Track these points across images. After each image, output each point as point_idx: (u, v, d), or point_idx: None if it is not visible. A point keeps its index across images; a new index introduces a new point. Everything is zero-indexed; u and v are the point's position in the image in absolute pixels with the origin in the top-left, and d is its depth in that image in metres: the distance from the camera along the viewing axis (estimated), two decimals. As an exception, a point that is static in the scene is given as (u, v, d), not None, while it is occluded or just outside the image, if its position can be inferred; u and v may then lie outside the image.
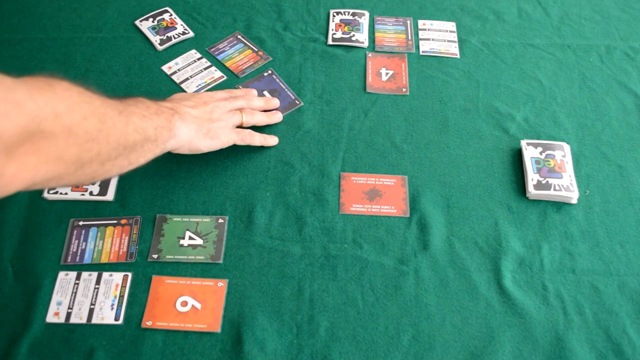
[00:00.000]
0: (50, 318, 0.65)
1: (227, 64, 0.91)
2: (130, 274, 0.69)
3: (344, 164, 0.80)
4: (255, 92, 0.85)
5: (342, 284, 0.69)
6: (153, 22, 0.96)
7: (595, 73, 0.92)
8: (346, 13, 0.99)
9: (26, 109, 0.46)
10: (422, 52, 0.94)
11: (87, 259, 0.70)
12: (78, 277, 0.68)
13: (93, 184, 0.75)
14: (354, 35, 0.96)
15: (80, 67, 0.90)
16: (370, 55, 0.94)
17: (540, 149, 0.80)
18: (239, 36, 0.96)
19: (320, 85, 0.89)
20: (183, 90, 0.87)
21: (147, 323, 0.65)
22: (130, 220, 0.73)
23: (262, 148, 0.81)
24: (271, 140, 0.81)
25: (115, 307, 0.66)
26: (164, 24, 0.96)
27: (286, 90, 0.88)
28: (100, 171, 0.57)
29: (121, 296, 0.67)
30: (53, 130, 0.49)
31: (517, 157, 0.81)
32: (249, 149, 0.81)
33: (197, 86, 0.88)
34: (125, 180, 0.77)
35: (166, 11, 0.98)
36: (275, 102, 0.84)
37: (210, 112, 0.74)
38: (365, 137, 0.83)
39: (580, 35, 0.98)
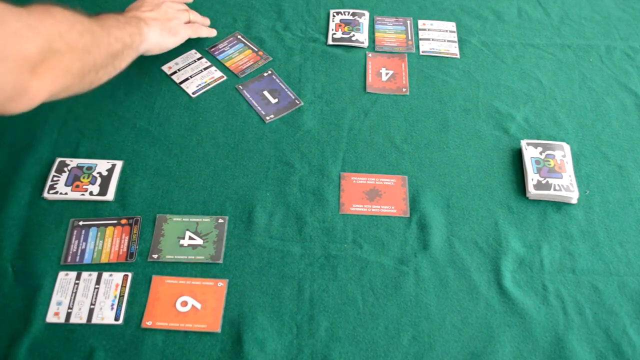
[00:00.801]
0: (50, 318, 0.65)
1: (227, 64, 0.91)
2: (130, 274, 0.69)
3: (344, 164, 0.80)
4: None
5: (342, 284, 0.69)
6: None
7: (595, 73, 0.92)
8: (346, 13, 0.99)
9: (41, 31, 0.55)
10: (422, 52, 0.94)
11: (87, 259, 0.70)
12: (78, 277, 0.68)
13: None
14: (354, 35, 0.96)
15: (80, 67, 0.90)
16: (370, 55, 0.94)
17: (540, 149, 0.80)
18: (239, 36, 0.96)
19: (320, 85, 0.89)
20: (183, 91, 0.87)
21: (147, 323, 0.65)
22: (130, 220, 0.73)
23: (262, 148, 0.81)
24: (212, 32, 0.94)
25: (115, 307, 0.66)
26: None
27: (286, 90, 0.88)
28: (96, 78, 0.67)
29: (121, 296, 0.67)
30: (60, 48, 0.57)
31: (517, 157, 0.81)
32: (249, 149, 0.81)
33: (197, 86, 0.88)
34: (125, 180, 0.77)
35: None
36: (206, 20, 0.96)
37: (165, 12, 0.85)
38: (365, 137, 0.83)
39: (580, 35, 0.98)
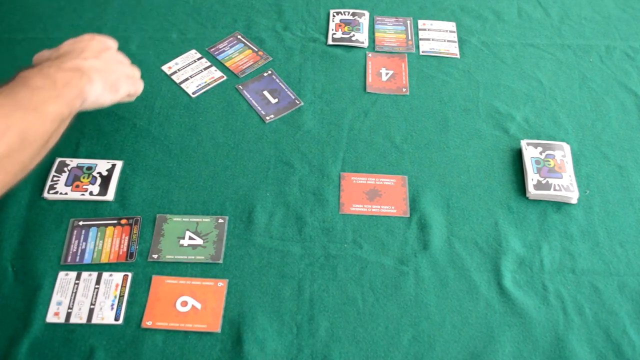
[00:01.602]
0: (50, 318, 0.65)
1: (227, 64, 0.91)
2: (130, 274, 0.69)
3: (344, 164, 0.80)
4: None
5: (342, 284, 0.69)
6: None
7: (595, 73, 0.92)
8: (346, 13, 0.99)
9: None
10: (422, 52, 0.94)
11: (87, 259, 0.70)
12: (78, 277, 0.68)
13: None
14: (354, 35, 0.96)
15: (80, 67, 0.89)
16: (370, 55, 0.94)
17: (540, 149, 0.80)
18: (239, 36, 0.96)
19: (320, 85, 0.89)
20: (183, 91, 0.87)
21: (147, 323, 0.65)
22: (130, 220, 0.73)
23: (262, 148, 0.81)
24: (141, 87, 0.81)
25: (115, 307, 0.66)
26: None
27: (286, 90, 0.88)
28: (31, 164, 0.61)
29: (121, 296, 0.67)
30: None
31: (517, 157, 0.81)
32: (249, 149, 0.81)
33: (197, 86, 0.88)
34: (125, 180, 0.77)
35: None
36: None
37: (108, 62, 0.73)
38: (365, 137, 0.83)
39: (580, 35, 0.98)
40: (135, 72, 0.79)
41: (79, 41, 0.73)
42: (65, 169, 0.77)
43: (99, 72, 0.69)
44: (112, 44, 0.77)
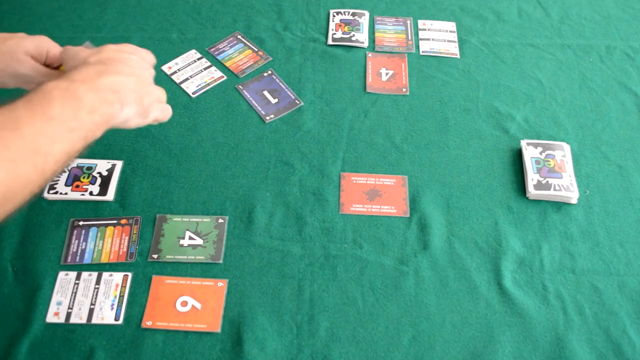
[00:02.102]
0: (50, 318, 0.65)
1: (227, 64, 0.91)
2: (130, 274, 0.69)
3: (344, 164, 0.80)
4: None
5: (342, 284, 0.69)
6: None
7: (595, 73, 0.92)
8: (346, 13, 0.99)
9: None
10: (422, 52, 0.94)
11: (87, 259, 0.70)
12: (78, 277, 0.68)
13: None
14: (354, 35, 0.96)
15: (80, 67, 0.89)
16: (370, 55, 0.94)
17: (540, 149, 0.80)
18: (239, 36, 0.96)
19: (320, 85, 0.89)
20: (183, 91, 0.87)
21: (147, 323, 0.65)
22: (130, 220, 0.73)
23: (262, 148, 0.81)
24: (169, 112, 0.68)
25: (115, 307, 0.66)
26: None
27: (286, 90, 0.88)
28: (19, 205, 0.51)
29: (121, 296, 0.67)
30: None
31: (517, 157, 0.81)
32: (249, 149, 0.81)
33: (197, 86, 0.88)
34: (125, 180, 0.77)
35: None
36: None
37: (145, 82, 0.62)
38: (365, 137, 0.83)
39: (580, 35, 0.98)
40: (163, 96, 0.67)
41: (121, 51, 0.63)
42: (65, 168, 0.77)
43: (134, 94, 0.59)
44: (152, 59, 0.68)
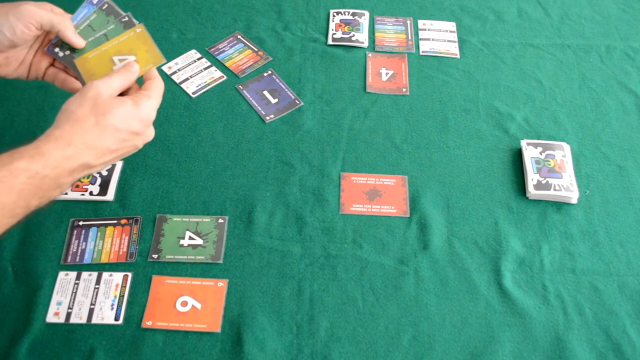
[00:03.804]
0: (50, 318, 0.65)
1: (227, 64, 0.91)
2: (130, 274, 0.69)
3: (344, 164, 0.80)
4: None
5: (342, 284, 0.69)
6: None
7: (595, 73, 0.92)
8: (346, 13, 0.99)
9: None
10: (422, 52, 0.94)
11: (87, 259, 0.70)
12: (78, 277, 0.68)
13: None
14: (354, 35, 0.96)
15: (80, 67, 0.89)
16: (370, 55, 0.94)
17: (540, 149, 0.80)
18: (239, 36, 0.96)
19: (320, 85, 0.89)
20: (183, 91, 0.87)
21: (147, 323, 0.65)
22: (130, 220, 0.73)
23: (262, 148, 0.81)
24: None
25: (115, 307, 0.66)
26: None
27: (286, 90, 0.88)
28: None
29: (121, 296, 0.67)
30: None
31: (517, 157, 0.81)
32: (249, 149, 0.81)
33: (197, 86, 0.88)
34: (125, 180, 0.77)
35: (166, 11, 0.98)
36: None
37: (127, 154, 0.59)
38: (365, 137, 0.83)
39: (580, 35, 0.98)
40: (147, 139, 0.61)
41: (125, 139, 0.57)
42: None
43: (105, 165, 0.58)
44: (151, 135, 0.61)
